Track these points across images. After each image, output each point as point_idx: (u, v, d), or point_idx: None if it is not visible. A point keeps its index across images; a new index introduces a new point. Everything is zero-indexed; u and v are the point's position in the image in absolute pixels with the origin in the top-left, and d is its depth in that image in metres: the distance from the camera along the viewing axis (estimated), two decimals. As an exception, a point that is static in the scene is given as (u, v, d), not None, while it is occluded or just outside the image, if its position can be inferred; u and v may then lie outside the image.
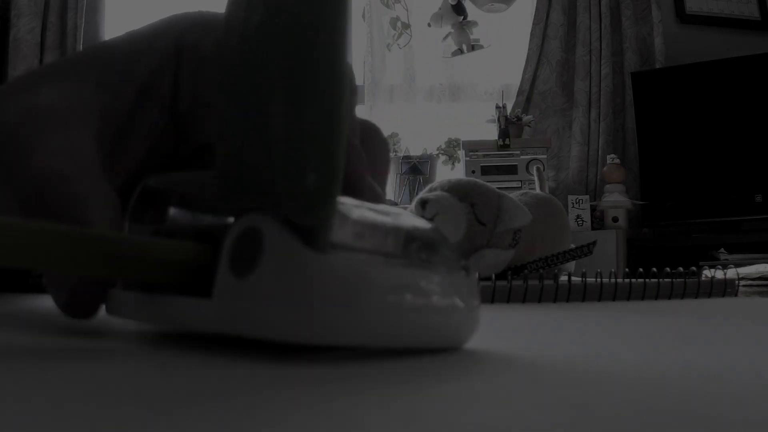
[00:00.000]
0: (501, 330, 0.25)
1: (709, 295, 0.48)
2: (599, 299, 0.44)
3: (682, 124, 2.27)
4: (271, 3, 0.15)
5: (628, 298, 0.45)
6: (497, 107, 2.33)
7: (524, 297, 0.42)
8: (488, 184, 0.59)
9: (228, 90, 0.15)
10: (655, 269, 0.49)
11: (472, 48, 2.48)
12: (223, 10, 0.16)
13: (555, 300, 0.43)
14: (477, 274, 0.24)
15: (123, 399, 0.11)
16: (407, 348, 0.16)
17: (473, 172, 2.19)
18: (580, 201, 2.27)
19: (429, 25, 2.48)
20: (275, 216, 0.14)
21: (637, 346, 0.20)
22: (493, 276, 0.43)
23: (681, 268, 0.50)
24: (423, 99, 2.60)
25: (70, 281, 0.18)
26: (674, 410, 0.11)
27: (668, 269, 0.49)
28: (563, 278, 0.51)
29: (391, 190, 2.31)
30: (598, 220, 2.29)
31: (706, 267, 0.57)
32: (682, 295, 0.46)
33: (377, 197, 0.21)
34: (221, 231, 0.16)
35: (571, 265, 0.63)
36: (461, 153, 2.28)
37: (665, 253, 1.90)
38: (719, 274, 0.52)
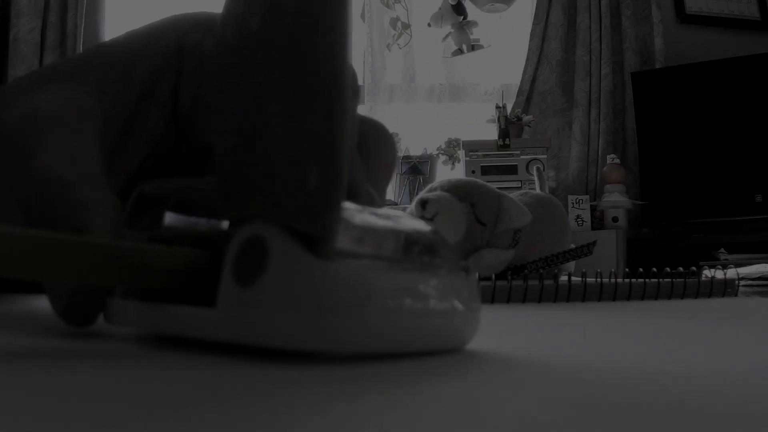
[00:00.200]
0: (501, 330, 0.25)
1: (709, 295, 0.48)
2: (599, 299, 0.44)
3: (682, 124, 2.27)
4: (270, 2, 0.15)
5: (628, 298, 0.45)
6: (497, 107, 2.33)
7: (524, 297, 0.43)
8: (488, 184, 0.59)
9: (225, 91, 0.15)
10: (655, 269, 0.49)
11: (472, 48, 2.48)
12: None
13: (555, 300, 0.43)
14: (477, 275, 0.24)
15: (123, 400, 0.11)
16: (411, 352, 0.16)
17: (473, 172, 2.19)
18: (580, 201, 2.27)
19: (429, 25, 2.48)
20: (278, 223, 0.14)
21: (637, 346, 0.20)
22: (493, 276, 0.43)
23: (681, 268, 0.50)
24: (423, 99, 2.60)
25: (68, 288, 0.18)
26: (674, 410, 0.11)
27: (668, 269, 0.49)
28: (563, 278, 0.51)
29: (391, 190, 2.31)
30: (598, 220, 2.29)
31: (706, 267, 0.57)
32: (682, 295, 0.46)
33: (374, 204, 0.21)
34: (221, 237, 0.16)
35: (571, 265, 0.63)
36: (461, 153, 2.28)
37: (665, 253, 1.90)
38: (719, 274, 0.52)
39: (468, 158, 2.24)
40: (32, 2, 2.35)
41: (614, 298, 0.44)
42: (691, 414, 0.11)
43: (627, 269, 0.52)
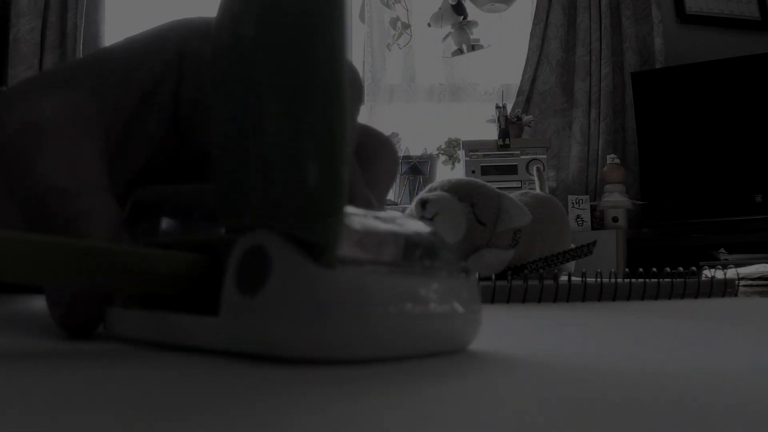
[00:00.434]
0: (501, 330, 0.25)
1: (709, 295, 0.48)
2: (599, 299, 0.44)
3: (682, 124, 2.27)
4: (268, 2, 0.15)
5: (628, 298, 0.45)
6: (497, 107, 2.33)
7: (524, 297, 0.43)
8: (488, 184, 0.59)
9: (223, 92, 0.15)
10: (655, 269, 0.49)
11: (472, 48, 2.48)
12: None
13: (555, 300, 0.43)
14: (477, 275, 0.24)
15: (122, 400, 0.11)
16: (414, 356, 0.16)
17: (473, 172, 2.19)
18: (580, 201, 2.27)
19: (429, 25, 2.48)
20: (277, 227, 0.14)
21: (637, 346, 0.20)
22: (493, 276, 0.43)
23: (681, 268, 0.50)
24: (423, 99, 2.60)
25: (67, 296, 0.18)
26: (674, 410, 0.11)
27: (668, 269, 0.49)
28: (563, 278, 0.51)
29: (391, 190, 2.30)
30: (598, 220, 2.29)
31: (706, 267, 0.57)
32: (682, 295, 0.46)
33: (372, 208, 0.21)
34: (221, 243, 0.16)
35: (571, 265, 0.63)
36: (461, 153, 2.28)
37: (665, 253, 1.90)
38: (719, 274, 0.52)
39: (468, 158, 2.24)
40: (32, 2, 2.35)
41: (614, 298, 0.44)
42: (691, 414, 0.11)
43: (627, 269, 0.52)
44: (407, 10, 2.52)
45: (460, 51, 2.48)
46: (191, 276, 0.16)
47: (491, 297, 0.42)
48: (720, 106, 2.23)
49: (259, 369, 0.14)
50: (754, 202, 2.15)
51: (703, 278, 0.49)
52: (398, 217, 0.17)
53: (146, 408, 0.10)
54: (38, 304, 0.29)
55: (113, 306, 0.18)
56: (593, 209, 2.28)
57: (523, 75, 2.53)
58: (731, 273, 0.54)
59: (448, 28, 2.49)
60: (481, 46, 2.49)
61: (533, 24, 2.54)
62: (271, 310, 0.14)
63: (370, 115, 2.51)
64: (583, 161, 2.47)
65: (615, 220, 2.25)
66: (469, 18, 2.48)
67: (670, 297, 0.46)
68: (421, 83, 2.60)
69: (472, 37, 2.49)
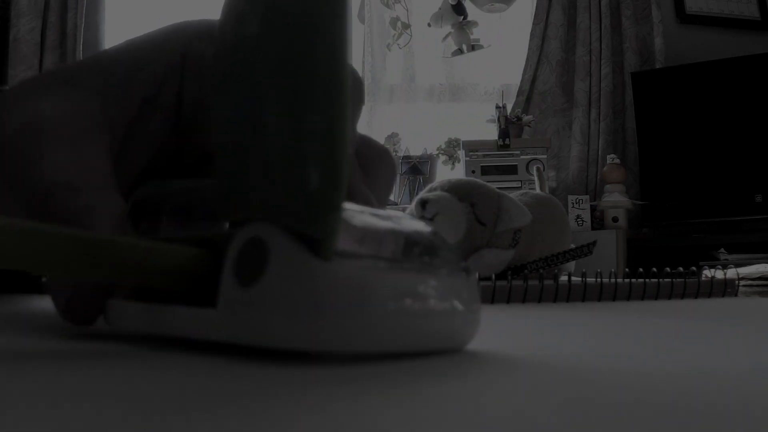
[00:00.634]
0: (501, 330, 0.25)
1: (709, 295, 0.48)
2: (599, 299, 0.44)
3: (682, 124, 2.27)
4: (269, 2, 0.15)
5: (628, 298, 0.45)
6: (497, 107, 2.33)
7: (524, 297, 0.43)
8: (488, 184, 0.59)
9: (225, 92, 0.15)
10: (655, 269, 0.49)
11: (472, 48, 2.48)
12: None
13: (555, 300, 0.43)
14: (477, 275, 0.24)
15: (123, 400, 0.11)
16: (411, 352, 0.16)
17: (473, 172, 2.19)
18: (580, 201, 2.27)
19: (429, 25, 2.48)
20: (279, 224, 0.14)
21: (637, 346, 0.20)
22: (493, 276, 0.43)
23: (681, 268, 0.50)
24: (423, 99, 2.60)
25: (69, 286, 0.18)
26: (675, 410, 0.11)
27: (668, 269, 0.49)
28: (563, 278, 0.51)
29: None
30: (598, 220, 2.29)
31: (706, 267, 0.57)
32: (682, 295, 0.46)
33: (371, 206, 0.21)
34: (221, 238, 0.16)
35: (571, 265, 0.63)
36: (461, 153, 2.28)
37: (665, 253, 1.90)
38: (719, 274, 0.52)
39: (468, 158, 2.24)
40: (32, 2, 2.35)
41: (614, 298, 0.44)
42: (691, 414, 0.11)
43: (627, 269, 0.52)
44: (407, 10, 2.52)
45: (460, 51, 2.48)
46: (192, 270, 0.16)
47: (491, 297, 0.42)
48: (720, 106, 2.23)
49: (259, 369, 0.14)
50: (754, 202, 2.15)
51: (703, 278, 0.49)
52: (398, 216, 0.17)
53: (146, 408, 0.10)
54: (38, 304, 0.30)
55: (113, 298, 0.18)
56: (593, 209, 2.28)
57: (523, 75, 2.53)
58: (731, 273, 0.54)
59: (448, 28, 2.49)
60: (481, 46, 2.49)
61: (533, 24, 2.54)
62: (268, 301, 0.14)
63: (370, 115, 2.51)
64: (583, 161, 2.47)
65: (615, 220, 2.25)
66: (469, 18, 2.48)
67: (670, 297, 0.46)
68: (421, 83, 2.60)
69: (472, 37, 2.49)
